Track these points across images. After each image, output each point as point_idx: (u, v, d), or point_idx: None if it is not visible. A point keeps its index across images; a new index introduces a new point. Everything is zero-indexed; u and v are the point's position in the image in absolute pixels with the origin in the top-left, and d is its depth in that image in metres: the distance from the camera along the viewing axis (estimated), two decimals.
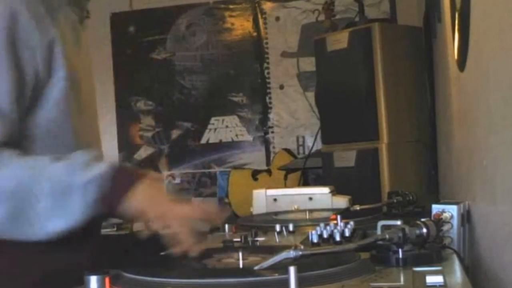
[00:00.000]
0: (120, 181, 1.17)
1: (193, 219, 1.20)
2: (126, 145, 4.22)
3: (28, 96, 1.21)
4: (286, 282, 0.77)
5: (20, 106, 1.19)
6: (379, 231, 1.10)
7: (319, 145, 3.13)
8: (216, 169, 4.09)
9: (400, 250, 1.00)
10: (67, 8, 1.33)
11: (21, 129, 1.21)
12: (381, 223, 1.12)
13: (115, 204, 1.17)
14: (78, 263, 1.21)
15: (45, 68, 1.23)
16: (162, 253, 1.26)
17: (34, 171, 1.16)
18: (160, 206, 1.19)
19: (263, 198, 2.02)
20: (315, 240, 1.22)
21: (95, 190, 1.15)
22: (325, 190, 2.00)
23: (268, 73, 4.05)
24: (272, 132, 4.04)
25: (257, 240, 1.30)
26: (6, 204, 1.13)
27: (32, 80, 1.21)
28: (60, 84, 1.25)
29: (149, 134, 4.21)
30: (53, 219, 1.14)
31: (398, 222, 1.08)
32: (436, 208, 1.35)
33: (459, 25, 1.48)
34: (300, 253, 0.93)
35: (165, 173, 4.09)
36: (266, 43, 4.05)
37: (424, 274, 0.88)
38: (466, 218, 1.38)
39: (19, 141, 1.21)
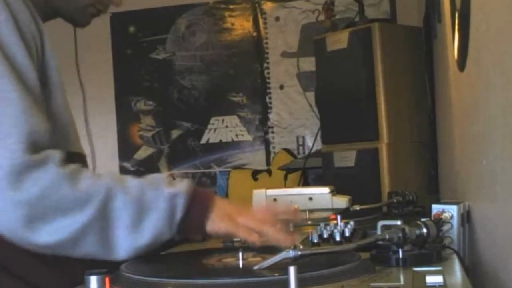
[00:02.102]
0: (197, 204, 1.15)
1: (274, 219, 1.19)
2: (126, 145, 4.23)
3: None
4: (286, 282, 0.77)
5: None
6: (379, 231, 1.10)
7: (319, 145, 3.13)
8: (216, 169, 4.09)
9: (400, 250, 1.00)
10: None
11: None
12: (381, 223, 1.12)
13: (189, 225, 1.14)
14: None
15: (42, 56, 1.20)
16: (162, 253, 1.26)
17: (117, 182, 1.11)
18: (241, 220, 1.16)
19: (263, 198, 2.02)
20: (315, 240, 1.22)
21: (174, 209, 1.12)
22: (325, 190, 2.00)
23: (268, 73, 4.05)
24: (272, 132, 4.04)
25: None
26: (94, 207, 1.05)
27: (36, 66, 1.17)
28: (55, 74, 1.22)
29: (149, 134, 4.21)
30: (130, 234, 1.08)
31: (398, 222, 1.08)
32: (436, 208, 1.35)
33: (459, 25, 1.48)
34: (300, 253, 0.93)
35: (165, 173, 4.09)
36: (266, 43, 4.05)
37: (424, 274, 0.88)
38: (466, 218, 1.38)
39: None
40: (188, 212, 1.13)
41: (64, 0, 1.34)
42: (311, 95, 3.68)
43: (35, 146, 1.05)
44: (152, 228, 1.09)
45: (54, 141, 1.12)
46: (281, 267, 0.89)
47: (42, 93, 1.16)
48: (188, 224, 1.13)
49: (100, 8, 1.40)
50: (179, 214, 1.12)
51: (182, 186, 1.14)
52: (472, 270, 1.36)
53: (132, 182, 1.12)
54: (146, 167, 4.12)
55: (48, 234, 1.03)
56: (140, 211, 1.09)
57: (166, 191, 1.12)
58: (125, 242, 1.08)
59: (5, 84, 1.08)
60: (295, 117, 4.00)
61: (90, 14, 1.40)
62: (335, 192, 2.03)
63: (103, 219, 1.05)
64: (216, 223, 1.15)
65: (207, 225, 1.15)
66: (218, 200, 1.18)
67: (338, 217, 1.38)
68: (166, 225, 1.11)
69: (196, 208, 1.14)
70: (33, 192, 1.02)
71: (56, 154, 1.06)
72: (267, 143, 4.05)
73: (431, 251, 1.04)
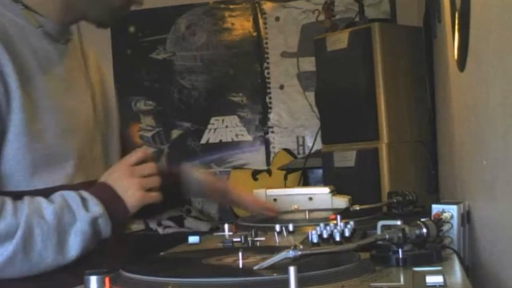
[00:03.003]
0: (111, 210, 1.31)
1: None
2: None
3: None
4: (286, 282, 0.77)
5: None
6: (379, 231, 1.10)
7: (319, 145, 3.13)
8: (216, 169, 4.09)
9: (400, 250, 1.00)
10: (40, 35, 1.34)
11: None
12: (381, 223, 1.12)
13: (125, 216, 1.34)
14: None
15: (5, 102, 1.23)
16: (162, 253, 1.26)
17: (32, 213, 1.23)
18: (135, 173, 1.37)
19: (263, 198, 2.02)
20: (315, 240, 1.22)
21: (91, 226, 1.28)
22: (325, 190, 2.00)
23: (268, 73, 4.05)
24: (272, 132, 4.04)
25: (257, 240, 1.30)
26: (16, 240, 1.19)
27: None
28: (19, 115, 1.25)
29: (149, 134, 4.21)
30: (56, 254, 1.24)
31: (398, 222, 1.07)
32: (436, 208, 1.35)
33: (459, 25, 1.48)
34: (300, 253, 0.93)
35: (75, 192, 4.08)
36: (266, 43, 4.05)
37: (424, 274, 0.88)
38: (466, 218, 1.38)
39: None
40: (113, 222, 1.31)
41: (92, 5, 1.38)
42: (311, 95, 3.68)
43: None
44: (77, 248, 1.25)
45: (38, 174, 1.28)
46: (281, 267, 0.89)
47: None
48: (118, 226, 1.34)
49: (126, 8, 1.45)
50: (107, 233, 1.30)
51: (96, 206, 1.28)
52: (472, 270, 1.36)
53: (47, 210, 1.23)
54: None
55: None
56: (61, 236, 1.23)
57: (87, 216, 1.26)
58: (54, 263, 1.24)
59: None
60: (295, 117, 4.00)
61: (116, 15, 1.44)
62: (335, 192, 2.03)
63: (26, 250, 1.20)
64: (137, 204, 1.34)
65: (132, 211, 1.34)
66: (117, 185, 1.33)
67: (338, 217, 1.38)
68: (91, 243, 1.28)
69: (117, 215, 1.32)
70: None
71: None
72: (267, 143, 4.05)
73: (431, 251, 1.04)
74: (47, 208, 1.23)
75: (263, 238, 1.33)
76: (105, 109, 1.54)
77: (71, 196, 1.27)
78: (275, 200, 2.02)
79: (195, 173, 1.75)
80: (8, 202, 1.21)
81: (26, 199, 1.24)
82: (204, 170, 1.84)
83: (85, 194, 1.29)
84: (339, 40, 2.82)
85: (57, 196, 1.27)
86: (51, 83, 1.33)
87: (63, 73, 1.38)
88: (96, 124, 1.46)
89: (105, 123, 1.52)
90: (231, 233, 1.46)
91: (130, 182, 1.34)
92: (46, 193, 1.27)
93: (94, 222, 1.26)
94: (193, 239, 1.35)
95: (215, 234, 1.46)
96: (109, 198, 1.31)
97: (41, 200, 1.25)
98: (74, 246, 1.25)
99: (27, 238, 1.20)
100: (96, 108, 1.47)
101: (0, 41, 1.24)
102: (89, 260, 1.27)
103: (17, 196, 1.24)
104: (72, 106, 1.38)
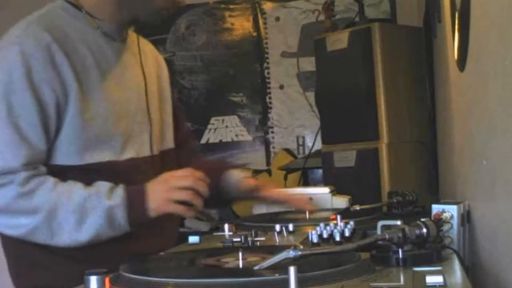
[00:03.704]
0: (132, 208, 1.46)
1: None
2: None
3: (53, 129, 1.47)
4: (286, 282, 0.77)
5: (47, 139, 1.46)
6: (379, 231, 1.10)
7: (319, 145, 3.13)
8: None
9: (400, 250, 1.00)
10: (98, 36, 1.57)
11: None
12: (381, 223, 1.12)
13: (144, 221, 1.47)
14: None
15: (63, 95, 1.47)
16: (161, 253, 1.26)
17: (68, 193, 1.46)
18: (175, 185, 1.49)
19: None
20: (315, 240, 1.22)
21: (109, 215, 1.45)
22: (325, 190, 2.00)
23: (268, 73, 4.05)
24: (272, 132, 4.04)
25: (257, 240, 1.30)
26: (43, 213, 1.43)
27: (54, 110, 1.46)
28: (73, 107, 1.48)
29: None
30: (71, 233, 1.45)
31: (398, 222, 1.07)
32: (436, 208, 1.35)
33: (459, 25, 1.48)
34: (300, 253, 0.93)
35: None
36: (266, 43, 4.05)
37: (424, 274, 0.88)
38: (466, 218, 1.38)
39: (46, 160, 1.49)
40: (130, 216, 1.45)
41: (140, 7, 1.57)
42: (311, 95, 3.68)
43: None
44: (91, 229, 1.44)
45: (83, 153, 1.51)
46: (281, 267, 0.89)
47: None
48: (135, 223, 1.46)
49: (171, 9, 1.61)
50: (119, 221, 1.45)
51: (117, 198, 1.45)
52: (472, 270, 1.36)
53: (77, 192, 1.45)
54: None
55: (12, 228, 1.47)
56: (81, 216, 1.44)
57: (105, 203, 1.44)
58: (66, 238, 1.45)
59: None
60: (295, 117, 4.00)
61: (162, 15, 1.60)
62: (335, 192, 2.03)
63: (48, 224, 1.43)
64: (158, 209, 1.47)
65: (152, 214, 1.47)
66: (150, 188, 1.48)
67: (338, 217, 1.38)
68: (105, 228, 1.45)
69: (135, 211, 1.45)
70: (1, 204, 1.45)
71: (18, 177, 1.43)
72: (267, 143, 4.05)
73: (431, 251, 1.04)
74: (78, 191, 1.45)
75: (263, 238, 1.33)
76: (160, 95, 1.75)
77: (104, 185, 1.47)
78: None
79: (235, 174, 1.84)
80: (49, 181, 1.45)
81: (62, 182, 1.47)
82: (243, 171, 1.88)
83: (119, 186, 1.47)
84: (339, 40, 2.82)
85: (97, 183, 1.47)
86: (105, 77, 1.55)
87: (117, 68, 1.60)
88: (147, 110, 1.66)
89: (160, 108, 1.73)
90: (231, 233, 1.46)
91: (161, 189, 1.48)
92: (96, 167, 1.50)
93: (110, 210, 1.43)
94: (193, 239, 1.35)
95: (215, 234, 1.46)
96: (135, 194, 1.46)
97: (76, 184, 1.47)
98: (89, 227, 1.44)
99: (51, 214, 1.43)
100: (149, 96, 1.67)
101: (56, 43, 1.47)
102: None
103: (69, 169, 1.49)
104: (123, 96, 1.60)
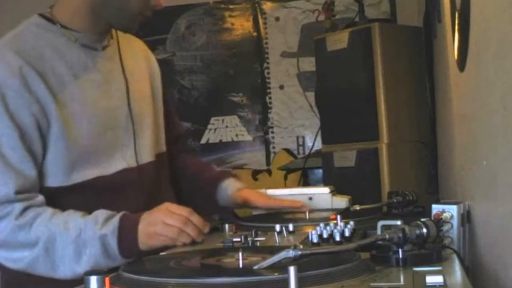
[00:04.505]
0: (126, 236, 1.38)
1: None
2: None
3: (39, 152, 1.43)
4: (286, 282, 0.77)
5: (35, 163, 1.42)
6: (379, 231, 1.10)
7: (319, 145, 3.13)
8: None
9: (400, 250, 1.00)
10: (77, 48, 1.52)
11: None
12: (381, 223, 1.12)
13: (134, 253, 1.37)
14: None
15: (43, 116, 1.43)
16: (162, 253, 1.26)
17: (64, 225, 1.40)
18: (163, 219, 1.39)
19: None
20: (315, 240, 1.21)
21: (105, 246, 1.37)
22: (325, 190, 1.99)
23: (268, 73, 4.05)
24: (272, 132, 4.04)
25: (257, 240, 1.30)
26: (40, 246, 1.38)
27: (37, 133, 1.42)
28: (56, 124, 1.44)
29: None
30: (69, 265, 1.39)
31: (398, 222, 1.07)
32: (436, 208, 1.35)
33: (459, 25, 1.48)
34: (300, 252, 0.93)
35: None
36: (266, 43, 4.05)
37: (424, 274, 0.88)
38: (466, 218, 1.38)
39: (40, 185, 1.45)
40: (120, 245, 1.37)
41: (115, 15, 1.53)
42: (311, 95, 3.68)
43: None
44: (88, 261, 1.38)
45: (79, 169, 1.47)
46: (281, 267, 0.89)
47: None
48: (127, 253, 1.37)
49: (147, 13, 1.60)
50: (113, 250, 1.37)
51: (111, 226, 1.38)
52: (472, 270, 1.36)
53: (75, 222, 1.40)
54: None
55: (13, 262, 1.43)
56: (79, 247, 1.38)
57: (98, 233, 1.38)
58: (67, 270, 1.39)
59: None
60: (295, 117, 4.00)
61: (139, 21, 1.58)
62: (335, 192, 2.02)
63: (47, 256, 1.39)
64: (147, 244, 1.37)
65: (142, 247, 1.38)
66: (143, 220, 1.39)
67: (338, 217, 1.37)
68: (102, 258, 1.38)
69: (125, 240, 1.38)
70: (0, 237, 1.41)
71: (15, 209, 1.39)
72: (267, 143, 4.05)
73: (431, 251, 1.04)
74: (75, 221, 1.40)
75: (263, 238, 1.33)
76: (153, 95, 1.71)
77: (103, 213, 1.40)
78: None
79: (228, 187, 1.81)
80: (46, 212, 1.41)
81: (59, 212, 1.42)
82: (236, 181, 1.88)
83: (116, 215, 1.41)
84: (339, 40, 2.82)
85: (96, 212, 1.41)
86: (87, 90, 1.51)
87: (100, 77, 1.55)
88: (131, 116, 1.59)
89: (154, 109, 1.68)
90: (231, 233, 1.46)
91: (154, 221, 1.39)
92: (84, 185, 1.46)
93: (103, 239, 1.37)
94: None
95: (215, 234, 1.46)
96: (128, 223, 1.39)
97: (74, 213, 1.42)
98: (87, 259, 1.38)
99: (49, 246, 1.38)
100: (132, 101, 1.61)
101: (29, 65, 1.43)
102: None
103: (58, 190, 1.45)
104: (110, 105, 1.55)
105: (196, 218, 1.38)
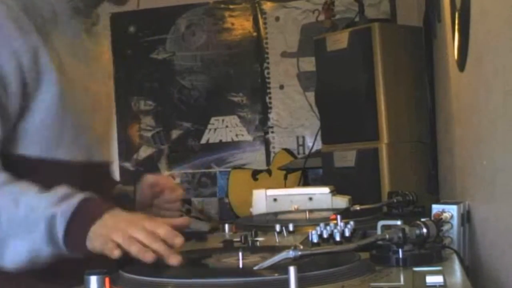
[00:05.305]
0: (79, 223, 1.15)
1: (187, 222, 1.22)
2: (126, 145, 4.23)
3: (13, 109, 1.22)
4: (286, 282, 0.77)
5: (3, 122, 1.21)
6: (379, 231, 1.10)
7: (319, 145, 3.13)
8: (216, 169, 4.09)
9: (400, 250, 1.00)
10: (68, 19, 1.35)
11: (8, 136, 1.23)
12: (381, 223, 1.12)
13: (77, 246, 1.15)
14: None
15: (32, 74, 1.22)
16: None
17: (14, 201, 1.17)
18: (124, 228, 1.13)
19: (263, 198, 2.02)
20: (315, 240, 1.22)
21: (61, 223, 1.14)
22: (325, 190, 2.00)
23: (268, 73, 4.05)
24: (272, 132, 4.04)
25: (257, 240, 1.30)
26: None
27: (18, 89, 1.21)
28: (52, 89, 1.25)
29: (149, 134, 4.21)
30: (15, 247, 1.16)
31: (398, 222, 1.08)
32: (436, 208, 1.35)
33: (459, 25, 1.48)
34: (300, 253, 0.94)
35: (165, 173, 4.09)
36: (266, 43, 4.05)
37: (424, 274, 0.88)
38: (466, 218, 1.38)
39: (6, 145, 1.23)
40: (68, 231, 1.15)
41: None
42: (311, 95, 3.68)
43: None
44: (26, 247, 1.15)
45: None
46: (281, 267, 0.89)
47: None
48: (70, 242, 1.15)
49: None
50: (59, 234, 1.14)
51: (65, 205, 1.16)
52: (472, 270, 1.36)
53: (24, 201, 1.17)
54: (146, 167, 4.12)
55: None
56: (24, 231, 1.15)
57: (48, 211, 1.15)
58: (8, 255, 1.16)
59: None
60: (295, 117, 4.00)
61: None
62: (335, 192, 2.03)
63: None
64: (91, 242, 1.14)
65: (88, 244, 1.14)
66: (108, 215, 1.15)
67: (338, 217, 1.38)
68: (43, 243, 1.15)
69: (75, 228, 1.15)
70: None
71: None
72: (267, 143, 4.05)
73: (431, 251, 1.04)
74: (28, 195, 1.18)
75: (263, 238, 1.33)
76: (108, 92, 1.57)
77: (63, 190, 1.19)
78: (275, 200, 2.02)
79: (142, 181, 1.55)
80: None
81: (13, 181, 1.20)
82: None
83: (80, 194, 1.19)
84: (339, 40, 2.82)
85: (55, 188, 1.20)
86: (79, 67, 1.34)
87: (88, 60, 1.39)
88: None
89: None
90: (231, 233, 1.46)
91: (115, 228, 1.14)
92: (65, 166, 1.28)
93: (52, 219, 1.15)
94: None
95: (215, 234, 1.46)
96: (90, 208, 1.17)
97: (29, 187, 1.20)
98: (25, 244, 1.16)
99: None
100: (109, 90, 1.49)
101: (34, 25, 1.24)
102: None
103: (36, 163, 1.25)
104: (95, 89, 1.39)
105: (164, 231, 1.11)
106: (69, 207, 1.15)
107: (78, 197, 1.17)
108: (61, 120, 1.27)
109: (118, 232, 1.11)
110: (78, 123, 1.31)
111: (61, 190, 1.19)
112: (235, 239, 1.26)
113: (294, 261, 0.92)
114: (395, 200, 1.75)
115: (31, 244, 1.15)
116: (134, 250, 1.07)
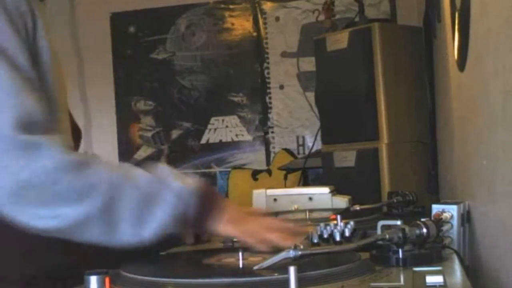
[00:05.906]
0: (206, 202, 1.13)
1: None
2: (126, 145, 4.23)
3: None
4: (286, 282, 0.77)
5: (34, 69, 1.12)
6: (379, 231, 1.10)
7: (319, 145, 3.13)
8: (216, 169, 4.09)
9: (400, 250, 1.00)
10: None
11: None
12: (381, 223, 1.12)
13: (197, 223, 1.14)
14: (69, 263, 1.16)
15: (33, 35, 1.15)
16: (162, 253, 1.26)
17: (125, 174, 1.10)
18: (245, 227, 1.16)
19: (263, 198, 2.02)
20: (315, 240, 1.22)
21: (182, 203, 1.10)
22: (325, 190, 1.99)
23: (268, 73, 4.05)
24: (272, 132, 4.04)
25: None
26: (100, 198, 1.04)
27: (26, 45, 1.13)
28: (47, 54, 1.17)
29: (149, 134, 4.21)
30: (134, 227, 1.07)
31: (398, 222, 1.07)
32: (436, 208, 1.35)
33: (459, 25, 1.48)
34: (300, 253, 0.93)
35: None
36: (266, 43, 4.05)
37: (424, 274, 0.88)
38: (466, 218, 1.38)
39: None
40: (199, 211, 1.12)
41: None
42: (311, 95, 3.68)
43: (29, 128, 1.02)
44: (157, 222, 1.07)
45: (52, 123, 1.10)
46: (281, 267, 0.89)
47: (34, 73, 1.12)
48: (197, 222, 1.14)
49: None
50: (191, 211, 1.11)
51: (194, 183, 1.12)
52: (472, 270, 1.36)
53: (141, 177, 1.10)
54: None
55: (48, 219, 1.02)
56: (146, 205, 1.07)
57: (174, 184, 1.10)
58: (129, 234, 1.07)
59: None
60: (295, 117, 4.00)
61: None
62: (335, 192, 2.03)
63: (106, 213, 1.04)
64: (225, 226, 1.15)
65: (216, 226, 1.15)
66: (228, 202, 1.19)
67: (338, 217, 1.37)
68: (172, 220, 1.09)
69: (207, 208, 1.13)
70: (22, 176, 0.99)
71: (57, 140, 1.04)
72: (267, 143, 4.05)
73: (431, 251, 1.04)
74: (139, 171, 1.12)
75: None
76: None
77: (169, 169, 1.16)
78: (275, 200, 2.01)
79: None
80: (97, 156, 1.11)
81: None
82: None
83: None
84: (339, 40, 2.82)
85: (158, 167, 1.16)
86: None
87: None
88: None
89: None
90: None
91: (242, 215, 1.19)
92: None
93: (181, 194, 1.10)
94: None
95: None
96: (208, 189, 1.16)
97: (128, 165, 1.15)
98: (155, 219, 1.08)
99: (112, 200, 1.05)
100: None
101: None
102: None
103: None
104: (60, 73, 1.27)
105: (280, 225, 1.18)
106: (194, 182, 1.12)
107: (193, 176, 1.16)
108: (51, 92, 1.17)
109: (248, 222, 1.16)
110: (56, 100, 1.19)
111: (167, 168, 1.15)
112: (235, 239, 1.26)
113: (294, 261, 0.92)
114: (395, 200, 1.75)
115: (158, 217, 1.07)
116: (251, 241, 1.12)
